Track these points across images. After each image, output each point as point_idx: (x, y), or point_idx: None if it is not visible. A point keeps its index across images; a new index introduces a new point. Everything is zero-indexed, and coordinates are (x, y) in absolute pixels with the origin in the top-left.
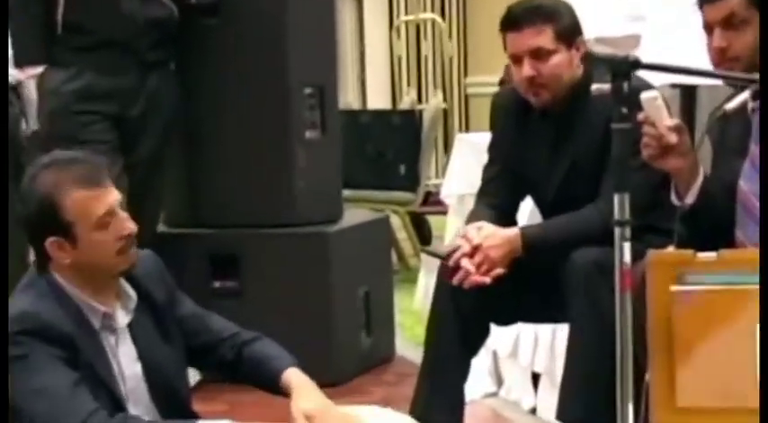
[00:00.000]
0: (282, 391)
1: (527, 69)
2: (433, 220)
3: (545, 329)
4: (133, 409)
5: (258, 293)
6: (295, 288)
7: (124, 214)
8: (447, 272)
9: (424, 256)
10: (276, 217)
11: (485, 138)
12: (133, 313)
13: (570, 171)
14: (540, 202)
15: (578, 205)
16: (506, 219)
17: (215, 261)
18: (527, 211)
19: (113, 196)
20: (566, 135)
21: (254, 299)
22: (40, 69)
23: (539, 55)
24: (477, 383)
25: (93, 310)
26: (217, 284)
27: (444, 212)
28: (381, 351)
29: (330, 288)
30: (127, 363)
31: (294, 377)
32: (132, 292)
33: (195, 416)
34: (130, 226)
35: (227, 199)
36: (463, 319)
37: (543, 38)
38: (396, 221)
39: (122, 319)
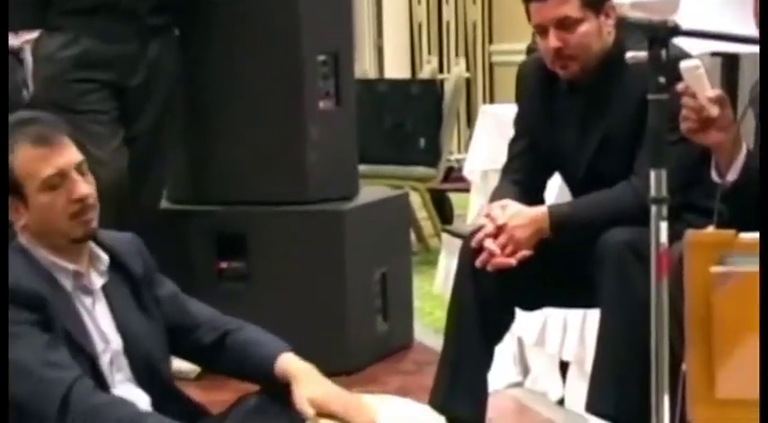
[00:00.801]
0: (276, 380)
1: (553, 41)
2: (454, 198)
3: (574, 315)
4: (117, 376)
5: (267, 276)
6: (307, 270)
7: (78, 176)
8: (469, 253)
9: (444, 236)
10: (287, 193)
11: (510, 110)
12: (107, 275)
13: (602, 146)
14: (569, 180)
15: (610, 183)
16: (533, 197)
17: (221, 241)
18: (555, 189)
19: (68, 157)
20: (597, 107)
21: (263, 281)
22: (35, 34)
23: (565, 25)
24: (501, 373)
25: (62, 270)
26: (223, 266)
27: (467, 190)
28: (399, 338)
29: (344, 270)
30: (108, 328)
31: (291, 363)
32: (103, 255)
33: (179, 396)
34: (83, 190)
35: (235, 174)
36: (486, 304)
37: (569, 6)
38: (415, 199)
39: (96, 280)
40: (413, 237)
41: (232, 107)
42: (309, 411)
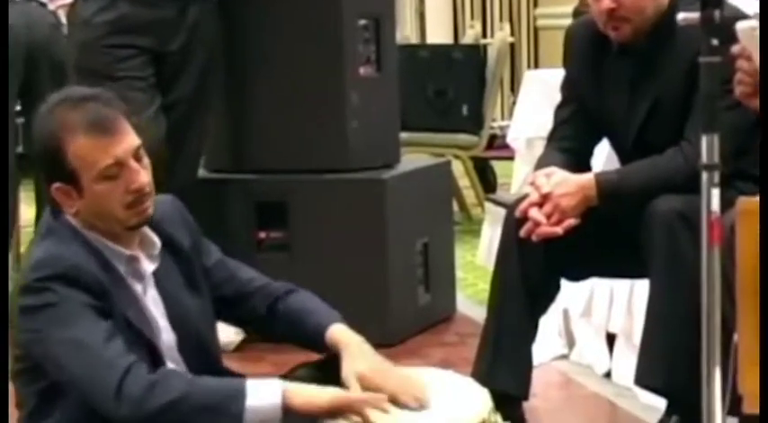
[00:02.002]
0: (327, 350)
1: (606, 1)
2: (498, 166)
3: (621, 285)
4: (170, 364)
5: (307, 245)
6: (347, 239)
7: (136, 165)
8: (513, 223)
9: (488, 205)
10: (327, 161)
11: (556, 75)
12: (158, 260)
13: (652, 112)
14: (617, 146)
15: (660, 149)
16: (580, 164)
17: (260, 210)
18: (603, 156)
19: (126, 144)
20: (648, 72)
21: (303, 251)
22: None
23: None
24: (545, 345)
25: (116, 255)
26: (262, 235)
27: (511, 157)
28: (441, 309)
29: (386, 240)
30: (157, 315)
31: (342, 334)
32: (155, 238)
33: (228, 375)
34: (142, 179)
35: (274, 142)
36: (531, 275)
37: None
38: (458, 167)
39: (147, 266)
40: (455, 206)
41: (271, 73)
42: (356, 386)
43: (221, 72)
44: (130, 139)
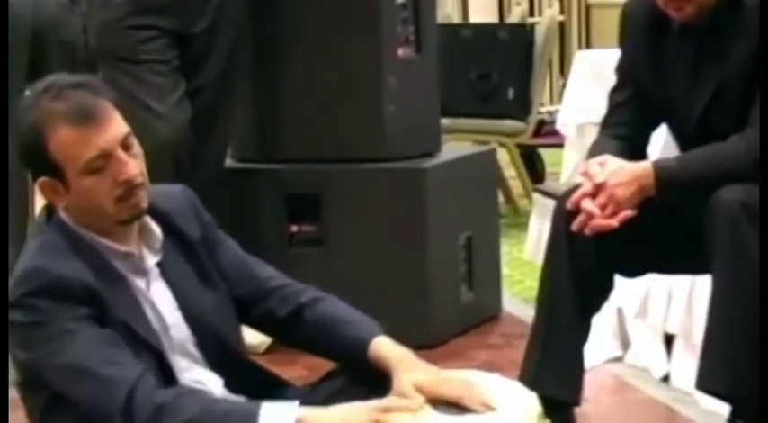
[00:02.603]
0: (367, 364)
1: None
2: (546, 154)
3: (681, 282)
4: (182, 362)
5: (341, 240)
6: (384, 234)
7: (124, 156)
8: (564, 215)
9: (536, 196)
10: (363, 150)
11: (610, 56)
12: (161, 252)
13: (715, 95)
14: (677, 133)
15: (723, 136)
16: (636, 152)
17: (291, 202)
18: (660, 144)
19: (112, 133)
20: (711, 54)
21: (337, 246)
22: None
23: None
24: (598, 347)
25: (112, 252)
26: (293, 230)
27: (560, 145)
28: (485, 308)
29: (426, 234)
30: (167, 309)
31: (388, 349)
32: (156, 229)
33: (254, 370)
34: (131, 170)
35: (306, 129)
36: (583, 271)
37: None
38: (503, 156)
39: (150, 259)
40: (500, 197)
41: (303, 55)
42: (419, 398)
43: (249, 54)
44: (117, 128)
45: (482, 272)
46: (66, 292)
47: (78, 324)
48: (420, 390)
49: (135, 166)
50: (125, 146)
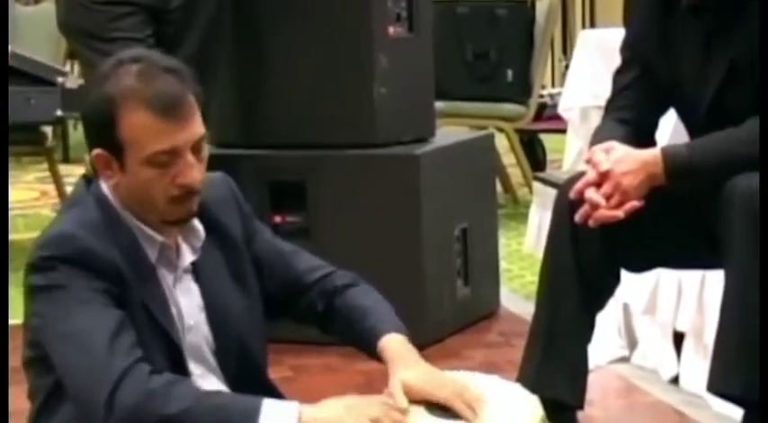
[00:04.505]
0: (379, 358)
1: None
2: (547, 140)
3: (691, 278)
4: (196, 369)
5: (328, 231)
6: (374, 224)
7: (192, 159)
8: (567, 205)
9: (536, 185)
10: (352, 135)
11: (616, 35)
12: (200, 252)
13: (728, 77)
14: (687, 117)
15: (737, 120)
16: (643, 137)
17: (275, 190)
18: (668, 129)
19: (189, 133)
20: (723, 31)
21: (323, 237)
22: None
23: None
24: (603, 346)
25: (148, 239)
26: (277, 220)
27: (563, 130)
28: (482, 304)
29: (419, 225)
30: (189, 310)
31: (393, 346)
32: (200, 227)
33: (271, 387)
34: (195, 175)
35: (291, 113)
36: (587, 266)
37: None
38: (501, 142)
39: (185, 257)
40: (498, 186)
41: (288, 35)
42: (400, 396)
43: (230, 32)
44: (195, 128)
45: (479, 266)
46: (91, 265)
47: (94, 295)
48: (408, 389)
49: (199, 171)
50: (196, 148)
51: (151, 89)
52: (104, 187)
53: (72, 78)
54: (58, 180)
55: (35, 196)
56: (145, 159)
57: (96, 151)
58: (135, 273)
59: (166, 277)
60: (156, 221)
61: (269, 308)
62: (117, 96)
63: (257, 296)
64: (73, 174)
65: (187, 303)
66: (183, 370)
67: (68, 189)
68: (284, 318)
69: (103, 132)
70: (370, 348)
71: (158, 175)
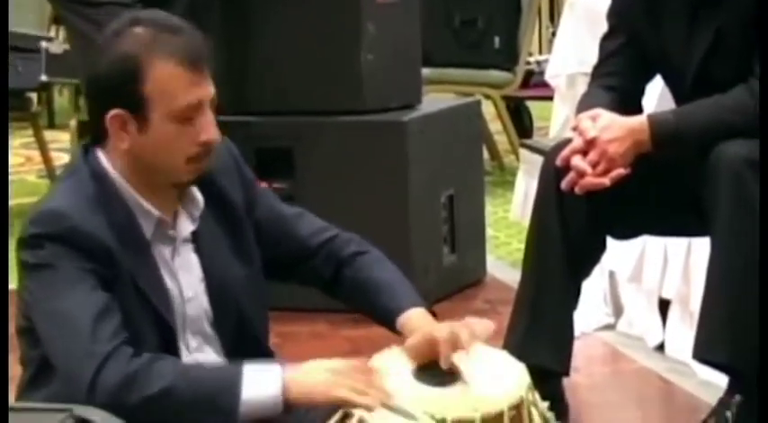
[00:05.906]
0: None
1: None
2: (535, 107)
3: (677, 245)
4: (192, 341)
5: (315, 197)
6: (361, 191)
7: (212, 117)
8: (553, 173)
9: (523, 152)
10: (339, 101)
11: (603, 2)
12: (198, 221)
13: (715, 43)
14: (674, 84)
15: (724, 87)
16: (629, 104)
17: (261, 157)
18: (655, 96)
19: (209, 88)
20: (710, 1)
21: (310, 205)
22: None
23: None
24: (589, 313)
25: (144, 213)
26: (263, 186)
27: (550, 97)
28: (469, 272)
29: (405, 191)
30: (188, 281)
31: (415, 323)
32: (199, 196)
33: (271, 357)
34: (214, 132)
35: (277, 79)
36: (573, 233)
37: None
38: (488, 109)
39: (184, 227)
40: (485, 153)
41: (275, 1)
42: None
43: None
44: (211, 84)
45: (465, 233)
46: (80, 244)
47: (82, 275)
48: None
49: (217, 133)
50: (212, 106)
51: (178, 41)
52: (103, 158)
53: (56, 43)
54: (43, 146)
55: (20, 162)
56: (173, 113)
57: (113, 112)
58: (128, 250)
59: (163, 252)
60: (163, 184)
61: (274, 272)
62: (140, 51)
63: (258, 265)
64: (58, 140)
65: (186, 275)
66: (173, 348)
67: (53, 155)
68: (289, 281)
69: (123, 90)
70: (390, 325)
71: (181, 131)
